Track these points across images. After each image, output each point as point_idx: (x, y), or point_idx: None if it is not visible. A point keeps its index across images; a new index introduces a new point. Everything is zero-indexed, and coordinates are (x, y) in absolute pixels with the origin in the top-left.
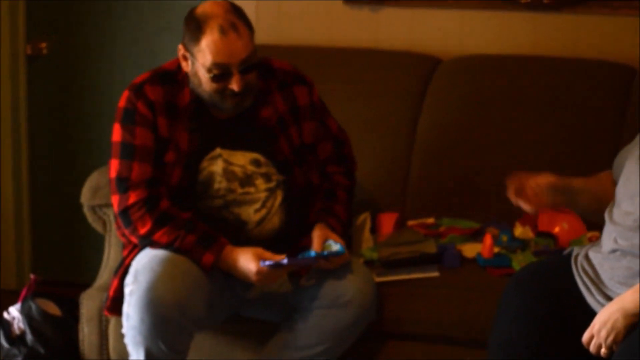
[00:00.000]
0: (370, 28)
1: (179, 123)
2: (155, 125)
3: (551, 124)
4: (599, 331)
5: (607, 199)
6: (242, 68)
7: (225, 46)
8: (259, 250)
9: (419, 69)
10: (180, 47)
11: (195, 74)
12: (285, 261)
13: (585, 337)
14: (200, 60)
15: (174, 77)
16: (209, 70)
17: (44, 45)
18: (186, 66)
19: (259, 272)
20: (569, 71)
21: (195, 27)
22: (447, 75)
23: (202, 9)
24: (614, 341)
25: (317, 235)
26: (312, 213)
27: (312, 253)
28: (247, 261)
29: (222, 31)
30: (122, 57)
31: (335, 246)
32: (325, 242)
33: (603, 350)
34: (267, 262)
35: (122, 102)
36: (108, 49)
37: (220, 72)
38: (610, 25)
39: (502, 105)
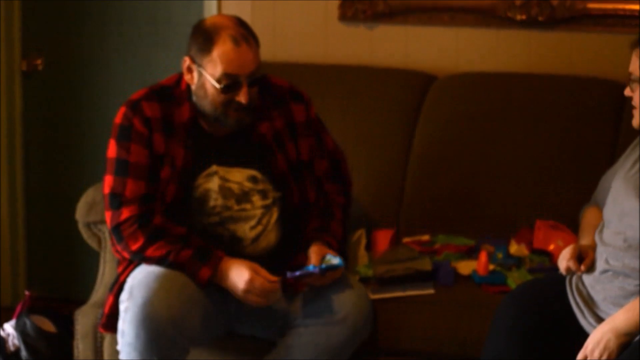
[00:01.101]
0: (366, 45)
1: (175, 139)
2: (151, 141)
3: (545, 141)
4: (592, 351)
5: None
6: (250, 80)
7: (237, 57)
8: (255, 265)
9: (414, 85)
10: (186, 59)
11: (202, 86)
12: (317, 270)
13: (579, 357)
14: (210, 70)
15: (171, 94)
16: (219, 81)
17: (39, 61)
18: (190, 79)
19: (250, 281)
20: (564, 88)
21: (206, 37)
22: (441, 92)
23: (212, 20)
24: None
25: (314, 251)
26: (308, 231)
27: (311, 267)
28: (241, 270)
29: (235, 42)
30: (118, 73)
31: (334, 260)
32: (324, 257)
33: None
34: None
35: (118, 119)
36: (103, 65)
37: (230, 83)
38: (605, 43)
39: (497, 123)
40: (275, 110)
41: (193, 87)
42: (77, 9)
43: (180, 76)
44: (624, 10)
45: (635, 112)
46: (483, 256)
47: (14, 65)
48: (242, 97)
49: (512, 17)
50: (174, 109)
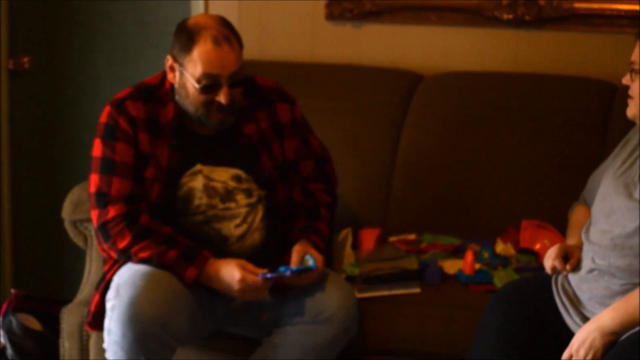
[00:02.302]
0: (353, 44)
1: (160, 139)
2: (136, 141)
3: (533, 140)
4: (577, 350)
5: None
6: (231, 81)
7: (217, 57)
8: (242, 261)
9: (401, 85)
10: (169, 57)
11: (183, 85)
12: (288, 273)
13: (564, 356)
14: (190, 70)
15: (155, 93)
16: (199, 81)
17: (26, 59)
18: (173, 77)
19: (242, 280)
20: (551, 88)
21: (187, 36)
22: (429, 92)
23: (195, 20)
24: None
25: (296, 250)
26: (294, 230)
27: (283, 269)
28: (231, 270)
29: (216, 42)
30: (105, 72)
31: (310, 261)
32: (303, 257)
33: None
34: (268, 275)
35: (103, 118)
36: (90, 64)
37: (210, 83)
38: (592, 43)
39: (484, 122)
40: (260, 111)
41: (175, 86)
42: (65, 8)
43: (164, 75)
44: (611, 10)
45: (631, 102)
46: (469, 255)
47: (0, 63)
48: (222, 98)
49: (499, 16)
50: (158, 109)
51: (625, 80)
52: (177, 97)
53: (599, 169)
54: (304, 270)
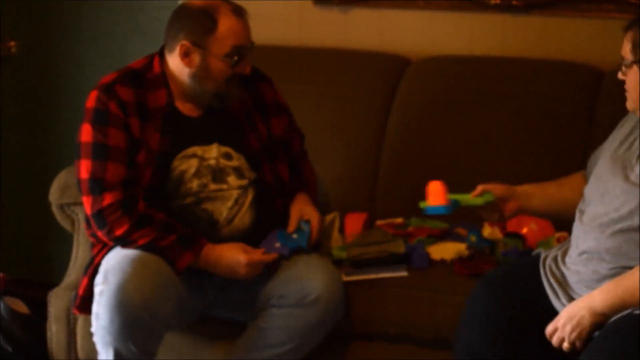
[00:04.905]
0: (340, 28)
1: (149, 124)
2: (127, 125)
3: (520, 125)
4: (564, 325)
5: (571, 202)
6: (249, 50)
7: (243, 28)
8: (241, 244)
9: (389, 69)
10: (185, 43)
11: (205, 68)
12: (286, 253)
13: (549, 329)
14: (216, 49)
15: (142, 77)
16: (229, 56)
17: (12, 44)
18: (189, 62)
19: (248, 264)
20: (538, 73)
21: (206, 17)
22: (416, 76)
23: (202, 1)
24: (578, 337)
25: (295, 209)
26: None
27: (279, 241)
28: (235, 255)
29: (238, 14)
30: (92, 57)
31: (304, 226)
32: (299, 224)
33: (565, 345)
34: (278, 248)
35: (91, 103)
36: (78, 49)
37: (239, 56)
38: (579, 28)
39: (471, 106)
40: (244, 92)
41: (191, 70)
42: None
43: (150, 59)
44: None
45: (628, 96)
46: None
47: None
48: (247, 68)
49: (487, 1)
50: (147, 94)
51: (620, 76)
52: (190, 82)
53: (598, 149)
54: (296, 248)
